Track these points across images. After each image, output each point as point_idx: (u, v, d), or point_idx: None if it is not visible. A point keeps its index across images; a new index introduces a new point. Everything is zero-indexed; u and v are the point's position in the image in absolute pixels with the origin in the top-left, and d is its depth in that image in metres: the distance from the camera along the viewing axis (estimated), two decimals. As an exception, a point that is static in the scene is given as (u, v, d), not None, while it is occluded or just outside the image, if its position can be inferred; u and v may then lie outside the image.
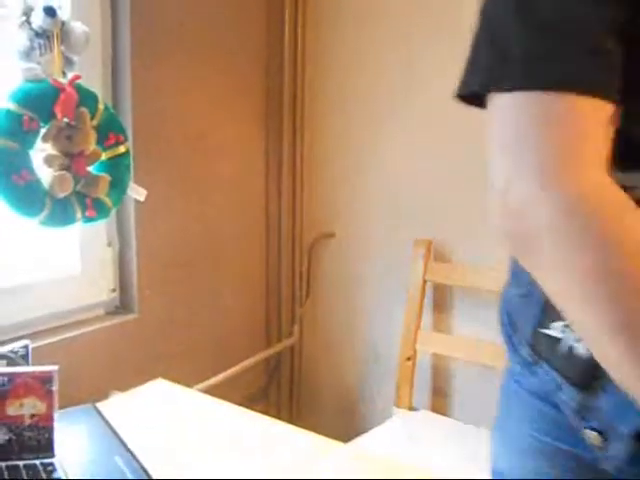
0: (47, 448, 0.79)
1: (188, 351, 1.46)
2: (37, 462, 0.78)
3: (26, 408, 0.77)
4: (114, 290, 1.31)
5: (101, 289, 1.28)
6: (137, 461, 0.80)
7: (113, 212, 1.22)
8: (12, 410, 0.77)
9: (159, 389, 1.09)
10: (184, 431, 0.93)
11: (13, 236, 1.12)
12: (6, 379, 0.77)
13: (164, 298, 1.39)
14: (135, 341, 1.31)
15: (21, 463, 0.78)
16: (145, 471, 0.78)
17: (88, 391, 1.04)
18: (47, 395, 0.78)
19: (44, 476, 0.75)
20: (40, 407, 0.78)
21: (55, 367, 0.78)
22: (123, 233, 1.30)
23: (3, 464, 0.77)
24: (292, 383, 1.86)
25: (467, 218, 1.54)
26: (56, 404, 0.78)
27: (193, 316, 1.48)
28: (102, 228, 1.27)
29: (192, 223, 1.45)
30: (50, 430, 0.78)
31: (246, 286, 1.69)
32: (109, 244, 1.29)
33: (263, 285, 1.76)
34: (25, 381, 0.77)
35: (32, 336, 1.06)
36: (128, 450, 0.83)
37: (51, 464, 0.78)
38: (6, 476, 0.75)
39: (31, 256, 1.15)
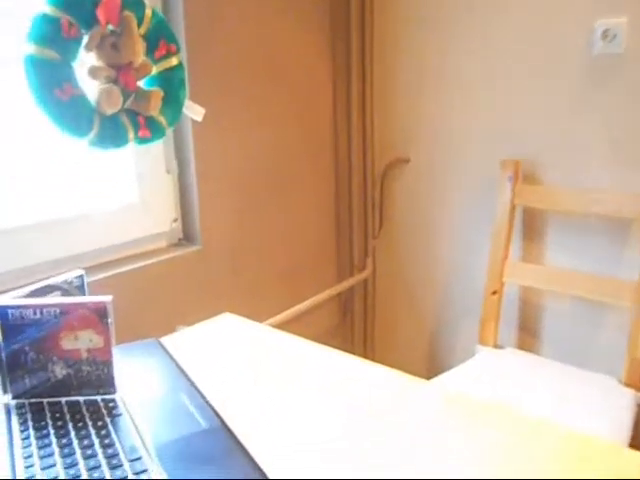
0: (107, 384, 0.72)
1: (256, 285, 1.39)
2: (98, 398, 0.72)
3: (82, 342, 0.71)
4: (176, 220, 1.24)
5: (162, 219, 1.21)
6: (204, 399, 0.73)
7: (169, 134, 1.12)
8: (67, 344, 0.71)
9: (226, 323, 1.01)
10: (253, 367, 0.85)
11: (69, 165, 1.05)
12: (58, 311, 0.70)
13: (229, 229, 1.30)
14: (200, 274, 1.24)
15: (81, 399, 0.72)
16: (213, 409, 0.70)
17: (152, 326, 0.98)
18: (103, 328, 0.70)
19: (105, 412, 0.69)
20: (97, 341, 0.71)
21: (109, 297, 0.70)
22: (182, 158, 1.21)
23: (63, 400, 0.72)
24: (366, 320, 1.77)
25: (560, 135, 1.35)
26: (113, 337, 0.71)
27: (260, 249, 1.40)
28: (160, 154, 1.18)
29: (255, 148, 1.34)
30: (109, 365, 0.72)
31: (315, 217, 1.58)
32: (168, 171, 1.20)
33: (333, 216, 1.64)
34: (79, 313, 0.70)
35: (90, 270, 1.00)
36: (194, 387, 0.76)
37: (112, 400, 0.72)
38: (66, 412, 0.69)
39: (88, 186, 1.08)
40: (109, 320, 0.70)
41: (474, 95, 1.46)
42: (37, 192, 1.00)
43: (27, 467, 0.60)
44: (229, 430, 0.66)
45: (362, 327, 1.76)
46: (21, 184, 0.98)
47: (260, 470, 0.60)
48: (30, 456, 0.62)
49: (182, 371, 0.80)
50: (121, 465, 0.59)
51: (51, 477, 0.58)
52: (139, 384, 0.77)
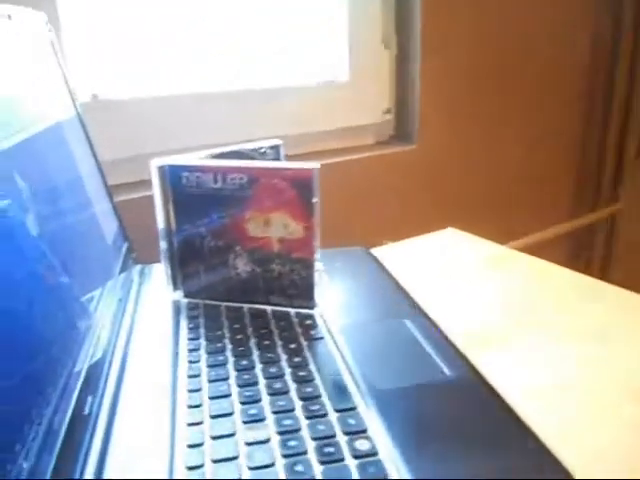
0: (305, 293, 0.51)
1: (481, 203, 1.10)
2: (291, 311, 0.51)
3: (274, 228, 0.49)
4: (388, 111, 0.98)
5: (373, 108, 0.96)
6: (438, 330, 0.48)
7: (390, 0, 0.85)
8: (254, 229, 0.50)
9: (449, 239, 0.75)
10: (494, 293, 0.58)
11: (272, 34, 0.84)
12: (246, 179, 0.49)
13: (452, 131, 1.02)
14: (413, 180, 0.98)
15: (269, 309, 0.52)
16: (453, 347, 0.45)
17: (350, 236, 0.75)
18: (305, 210, 0.48)
19: (300, 332, 0.48)
20: (294, 228, 0.49)
21: (316, 165, 0.48)
22: (404, 32, 0.94)
23: (245, 307, 0.52)
24: (608, 271, 1.38)
25: None
26: (318, 226, 0.49)
27: (489, 162, 1.09)
28: (377, 22, 0.92)
29: (494, 37, 1.02)
30: (309, 266, 0.50)
31: (558, 131, 1.22)
32: (385, 45, 0.94)
33: (579, 133, 1.27)
34: (273, 185, 0.48)
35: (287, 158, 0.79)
36: (422, 313, 0.51)
37: (310, 317, 0.50)
38: (248, 323, 0.49)
39: (293, 55, 0.87)
40: (314, 199, 0.48)
41: None
42: (229, 59, 0.82)
43: (191, 376, 0.42)
44: (490, 387, 0.40)
45: (606, 268, 1.37)
46: (217, 49, 0.80)
47: (557, 463, 0.33)
48: (197, 361, 0.43)
49: (403, 291, 0.56)
50: (324, 415, 0.37)
51: (218, 394, 0.39)
52: (345, 302, 0.55)
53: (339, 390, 0.40)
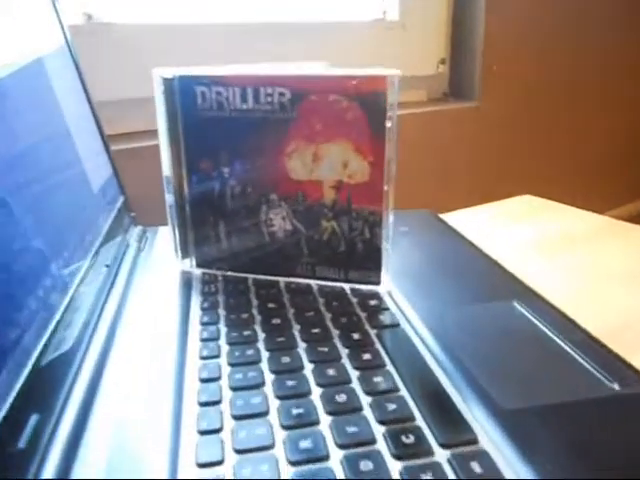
0: (368, 261, 0.36)
1: (557, 171, 0.94)
2: (345, 286, 0.36)
3: (328, 167, 0.34)
4: (443, 62, 0.82)
5: (426, 57, 0.81)
6: (567, 319, 0.33)
7: None
8: (299, 168, 0.35)
9: (529, 207, 0.60)
10: (606, 268, 0.43)
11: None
12: (287, 96, 0.34)
13: (522, 88, 0.86)
14: (476, 142, 0.82)
15: (314, 283, 0.37)
16: (585, 332, 0.30)
17: (410, 204, 0.60)
18: (372, 141, 0.33)
19: (361, 314, 0.33)
20: (357, 168, 0.34)
21: (394, 71, 0.32)
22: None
23: (283, 280, 0.37)
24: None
25: None
26: (392, 164, 0.33)
27: (558, 124, 0.93)
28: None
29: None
30: (375, 223, 0.35)
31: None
32: (442, -20, 0.78)
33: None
34: (327, 103, 0.33)
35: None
36: (531, 292, 0.36)
37: (376, 296, 0.35)
38: (285, 301, 0.34)
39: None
40: (388, 122, 0.32)
41: None
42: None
43: (206, 380, 0.27)
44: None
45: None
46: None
47: None
48: (214, 356, 0.28)
49: (495, 264, 0.40)
50: (428, 452, 0.22)
51: (250, 413, 0.24)
52: (419, 277, 0.39)
53: (443, 410, 0.25)
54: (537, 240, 0.49)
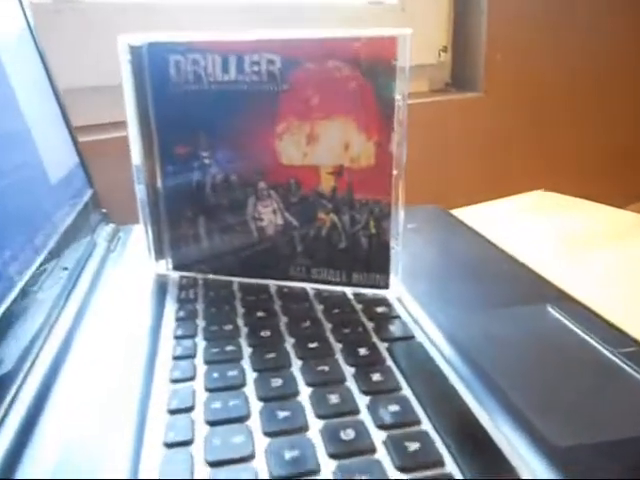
0: (373, 260, 0.30)
1: (562, 162, 0.89)
2: (347, 290, 0.31)
3: (326, 149, 0.29)
4: (445, 50, 0.77)
5: (427, 45, 0.76)
6: (597, 316, 0.27)
7: None
8: (291, 151, 0.29)
9: (543, 202, 0.55)
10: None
11: None
12: (277, 64, 0.28)
13: (529, 76, 0.80)
14: (480, 133, 0.77)
15: (310, 287, 0.31)
16: (620, 331, 0.25)
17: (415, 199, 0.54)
18: (379, 117, 0.28)
19: (367, 323, 0.27)
20: (360, 149, 0.28)
21: (405, 30, 0.27)
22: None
23: (274, 284, 0.32)
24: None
25: None
26: (402, 146, 0.28)
27: (566, 117, 0.88)
28: None
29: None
30: (381, 215, 0.29)
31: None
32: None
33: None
34: (324, 71, 0.28)
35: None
36: (563, 294, 0.30)
37: (384, 303, 0.30)
38: (276, 308, 0.29)
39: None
40: (397, 95, 0.27)
41: None
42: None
43: (175, 412, 0.21)
44: None
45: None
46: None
47: None
48: (189, 378, 0.22)
49: (518, 263, 0.35)
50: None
51: (229, 456, 0.19)
52: (433, 279, 0.34)
53: (478, 448, 0.19)
54: (562, 238, 0.44)
